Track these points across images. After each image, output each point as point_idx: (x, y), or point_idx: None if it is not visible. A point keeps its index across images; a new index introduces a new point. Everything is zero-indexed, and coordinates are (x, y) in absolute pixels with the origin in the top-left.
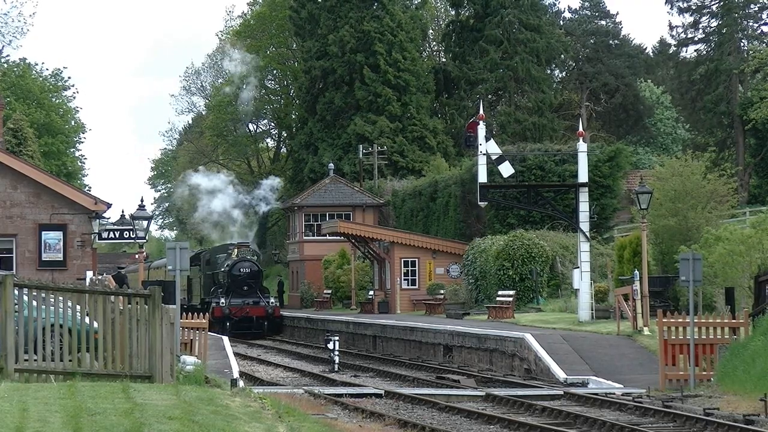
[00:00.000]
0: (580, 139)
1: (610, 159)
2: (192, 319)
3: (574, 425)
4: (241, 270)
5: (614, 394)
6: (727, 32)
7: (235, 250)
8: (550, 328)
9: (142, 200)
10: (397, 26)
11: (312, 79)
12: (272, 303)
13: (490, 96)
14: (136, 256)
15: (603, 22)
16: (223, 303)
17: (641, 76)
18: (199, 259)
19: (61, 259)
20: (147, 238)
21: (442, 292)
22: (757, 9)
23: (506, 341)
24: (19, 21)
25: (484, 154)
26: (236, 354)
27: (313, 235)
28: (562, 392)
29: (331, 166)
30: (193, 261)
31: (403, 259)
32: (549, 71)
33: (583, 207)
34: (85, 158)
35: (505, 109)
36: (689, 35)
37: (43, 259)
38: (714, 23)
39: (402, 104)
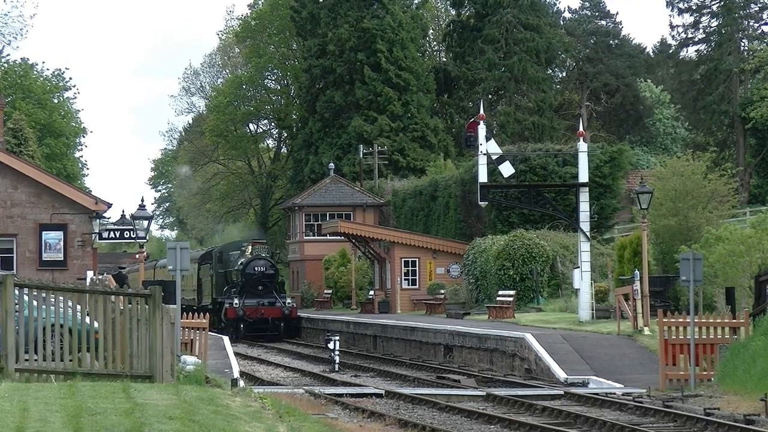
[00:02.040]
0: (581, 139)
1: (611, 160)
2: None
3: (574, 425)
4: (256, 268)
5: (615, 394)
6: (727, 32)
7: (249, 246)
8: (551, 327)
9: (142, 200)
10: (397, 25)
11: (312, 78)
12: (289, 303)
13: (490, 96)
14: (137, 255)
15: (603, 22)
16: (236, 304)
17: (641, 76)
18: (210, 257)
19: (62, 259)
20: (147, 238)
21: (442, 291)
22: (757, 9)
23: (507, 341)
24: (19, 22)
25: (484, 154)
26: (236, 354)
27: (314, 235)
28: (562, 392)
29: (332, 166)
30: (203, 259)
31: (403, 259)
32: (549, 71)
33: (584, 207)
34: (86, 162)
35: (505, 108)
36: (689, 35)
37: (43, 258)
38: (714, 23)
39: (402, 103)
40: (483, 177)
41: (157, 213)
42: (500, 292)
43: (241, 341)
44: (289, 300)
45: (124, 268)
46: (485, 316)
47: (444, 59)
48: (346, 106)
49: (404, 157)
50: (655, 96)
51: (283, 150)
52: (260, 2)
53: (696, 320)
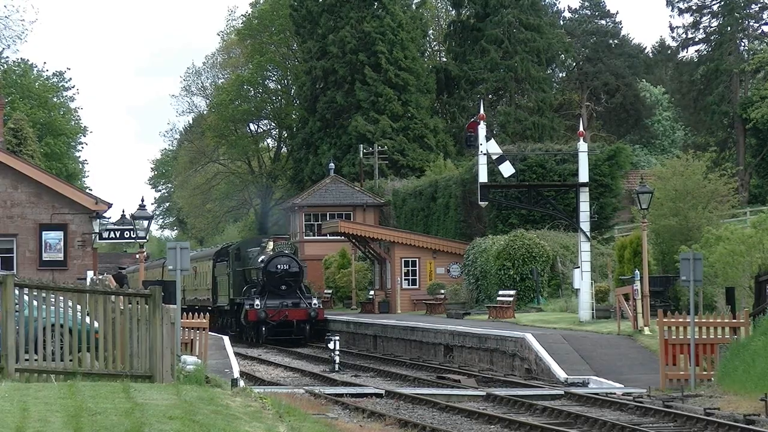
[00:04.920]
0: (581, 138)
1: (609, 158)
2: (220, 323)
3: (574, 425)
4: (278, 266)
5: (615, 393)
6: (728, 32)
7: (270, 243)
8: (551, 327)
9: (142, 200)
10: (397, 26)
11: (313, 78)
12: (315, 304)
13: (490, 96)
14: (137, 255)
15: (603, 22)
16: (258, 305)
17: (641, 76)
18: (226, 254)
19: (62, 258)
20: (147, 238)
21: (442, 291)
22: (757, 9)
23: (507, 341)
24: (20, 26)
25: (484, 154)
26: (236, 354)
27: (314, 235)
28: (562, 392)
29: (332, 166)
30: (219, 256)
31: (403, 259)
32: (549, 71)
33: (584, 207)
34: (87, 162)
35: (505, 108)
36: (689, 35)
37: (43, 258)
38: (714, 23)
39: (403, 103)
40: (483, 177)
41: (157, 213)
42: (500, 292)
43: (262, 346)
44: (315, 300)
45: (124, 268)
46: (485, 316)
47: (445, 59)
48: (347, 106)
49: (404, 156)
50: (654, 97)
51: (283, 150)
52: (261, 1)
53: (696, 320)
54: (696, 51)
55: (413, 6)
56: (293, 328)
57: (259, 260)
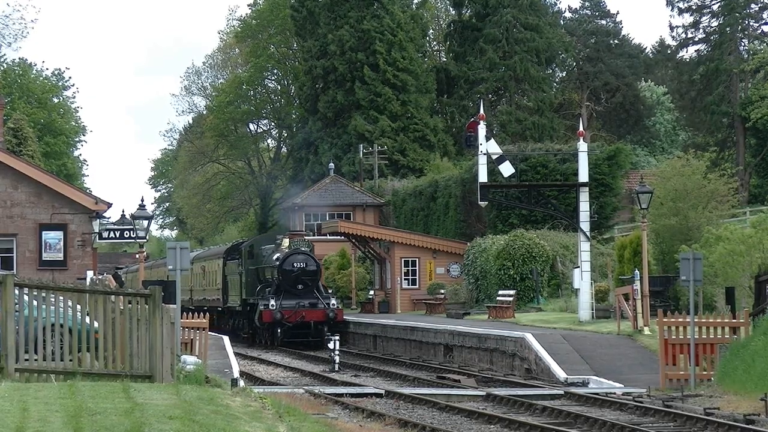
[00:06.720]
0: (581, 138)
1: (609, 158)
2: (231, 324)
3: (574, 425)
4: (295, 264)
5: (615, 393)
6: (728, 32)
7: (286, 240)
8: (551, 327)
9: (142, 200)
10: (396, 26)
11: (313, 78)
12: (333, 305)
13: (490, 95)
14: (137, 255)
15: (603, 22)
16: (273, 305)
17: (641, 76)
18: (237, 252)
19: (62, 258)
20: (147, 237)
21: (442, 291)
22: (757, 9)
23: (507, 341)
24: (20, 25)
25: (484, 154)
26: (236, 354)
27: (314, 235)
28: (562, 392)
29: (332, 165)
30: (229, 254)
31: (403, 259)
32: (549, 71)
33: (584, 207)
34: (86, 161)
35: (505, 108)
36: (689, 35)
37: (43, 258)
38: (714, 23)
39: (402, 103)
40: (483, 177)
41: (157, 213)
42: (500, 292)
43: (278, 348)
44: (333, 301)
45: (121, 268)
46: (485, 316)
47: (444, 59)
48: (347, 106)
49: (404, 156)
50: (656, 96)
51: (283, 150)
52: (260, 1)
53: (696, 320)
54: (696, 51)
55: (413, 6)
56: (310, 330)
57: (274, 258)
